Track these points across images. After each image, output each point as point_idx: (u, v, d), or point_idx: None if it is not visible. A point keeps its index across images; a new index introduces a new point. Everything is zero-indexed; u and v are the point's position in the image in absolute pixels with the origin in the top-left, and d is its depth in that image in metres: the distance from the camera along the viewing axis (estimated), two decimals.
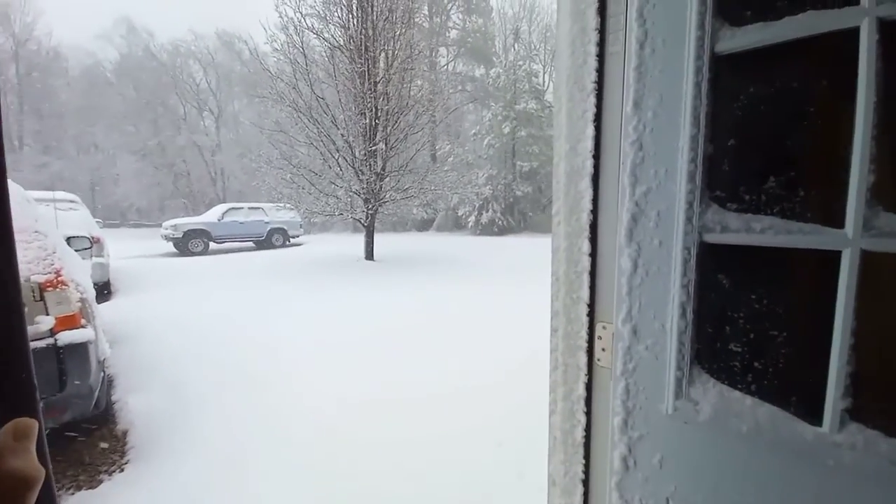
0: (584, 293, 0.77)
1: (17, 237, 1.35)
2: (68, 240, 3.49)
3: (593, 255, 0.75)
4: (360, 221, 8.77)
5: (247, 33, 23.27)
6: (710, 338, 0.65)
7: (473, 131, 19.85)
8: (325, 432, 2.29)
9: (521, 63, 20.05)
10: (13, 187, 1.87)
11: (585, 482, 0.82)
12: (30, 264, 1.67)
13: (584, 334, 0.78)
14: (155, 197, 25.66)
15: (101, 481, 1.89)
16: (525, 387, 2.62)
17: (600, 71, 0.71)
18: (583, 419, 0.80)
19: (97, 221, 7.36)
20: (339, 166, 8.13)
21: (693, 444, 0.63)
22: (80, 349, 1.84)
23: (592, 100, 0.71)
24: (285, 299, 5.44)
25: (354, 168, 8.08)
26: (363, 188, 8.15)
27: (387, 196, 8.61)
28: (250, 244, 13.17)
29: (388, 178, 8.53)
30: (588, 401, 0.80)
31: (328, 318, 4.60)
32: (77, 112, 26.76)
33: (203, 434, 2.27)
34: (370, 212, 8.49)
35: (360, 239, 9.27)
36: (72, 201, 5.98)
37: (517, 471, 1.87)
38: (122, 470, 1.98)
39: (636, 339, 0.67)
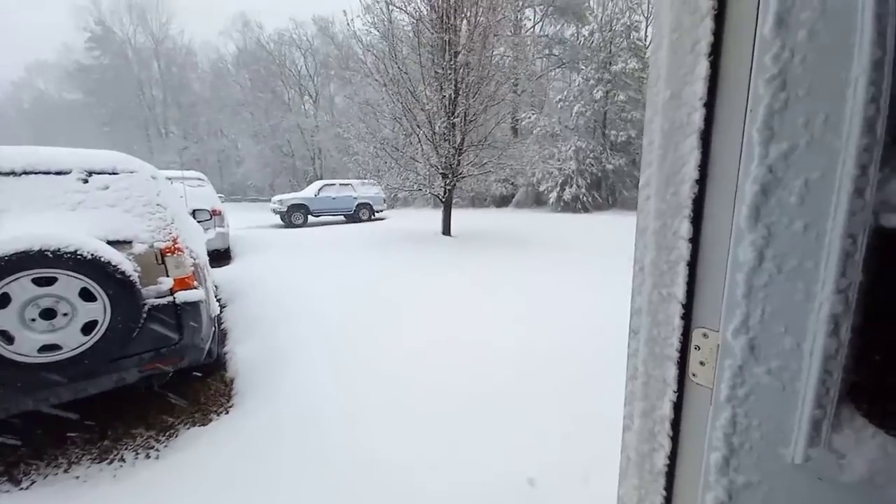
0: (679, 289, 0.59)
1: (143, 209, 1.52)
2: (193, 212, 4.08)
3: (695, 240, 0.57)
4: (438, 197, 8.84)
5: (340, 13, 24.41)
6: (874, 369, 0.45)
7: (560, 97, 18.24)
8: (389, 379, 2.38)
9: (618, 16, 17.77)
10: (143, 165, 2.19)
11: None
12: (153, 232, 1.96)
13: (674, 342, 0.61)
14: (268, 175, 29.12)
15: (211, 420, 2.22)
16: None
17: None
18: (666, 444, 0.64)
19: (220, 196, 8.58)
20: (420, 141, 8.21)
21: None
22: (194, 307, 2.14)
23: (708, 25, 0.51)
24: (368, 267, 5.78)
25: (433, 142, 8.09)
26: (441, 163, 8.15)
27: (464, 171, 8.50)
28: (341, 217, 14.27)
29: (466, 153, 8.39)
30: (675, 423, 0.63)
31: (395, 287, 4.77)
32: (207, 101, 31.30)
33: (290, 384, 2.53)
34: (448, 187, 8.49)
35: (439, 214, 9.38)
36: (199, 179, 7.01)
37: None
38: (227, 412, 2.31)
39: (753, 357, 0.49)
